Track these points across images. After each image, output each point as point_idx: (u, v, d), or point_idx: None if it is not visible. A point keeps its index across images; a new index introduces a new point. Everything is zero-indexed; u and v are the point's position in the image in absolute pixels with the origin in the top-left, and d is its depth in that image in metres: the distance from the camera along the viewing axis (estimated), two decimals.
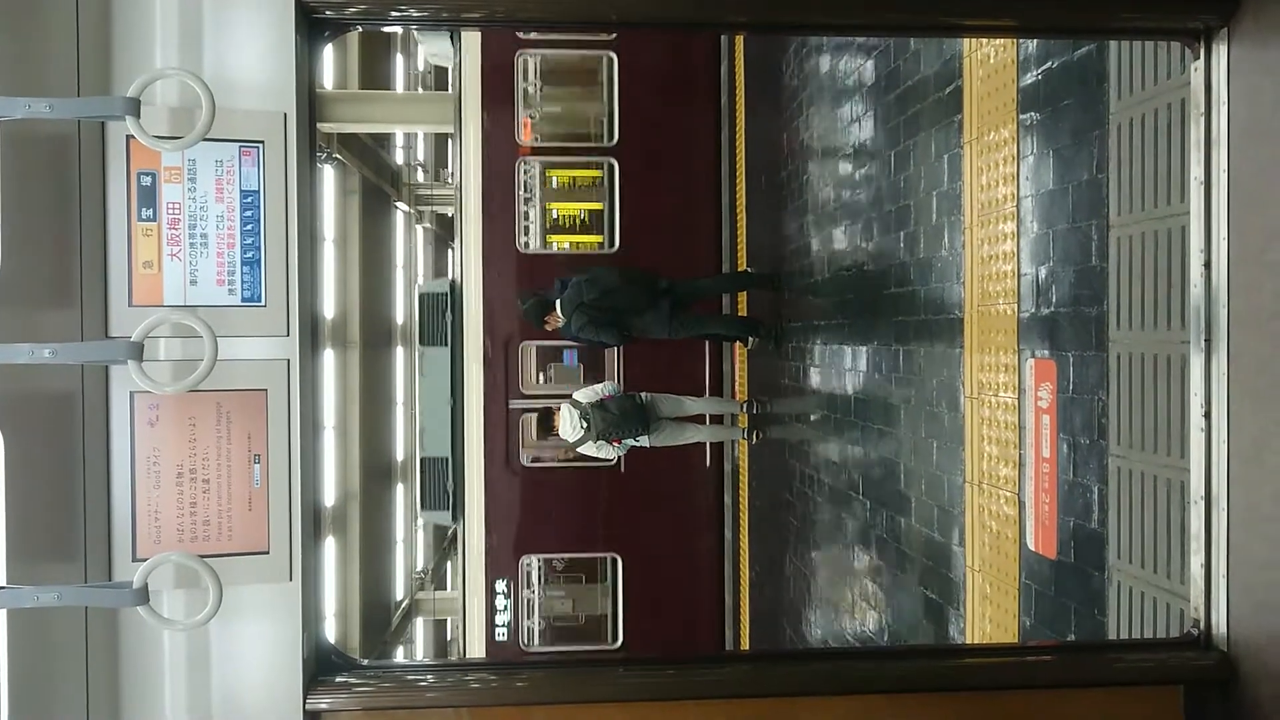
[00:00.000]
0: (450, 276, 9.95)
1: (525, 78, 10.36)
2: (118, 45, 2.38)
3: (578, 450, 8.14)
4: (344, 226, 17.76)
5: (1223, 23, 2.62)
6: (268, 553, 2.44)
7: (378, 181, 18.86)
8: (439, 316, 9.59)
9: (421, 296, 9.84)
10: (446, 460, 9.62)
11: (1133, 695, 2.61)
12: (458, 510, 9.73)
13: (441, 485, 9.65)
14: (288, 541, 2.44)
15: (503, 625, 9.77)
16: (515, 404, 9.76)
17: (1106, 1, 2.69)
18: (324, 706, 2.45)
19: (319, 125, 3.63)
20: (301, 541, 2.45)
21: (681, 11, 2.74)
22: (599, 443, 7.91)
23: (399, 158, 21.51)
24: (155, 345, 2.35)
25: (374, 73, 18.83)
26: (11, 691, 2.07)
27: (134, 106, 2.12)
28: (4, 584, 2.07)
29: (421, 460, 9.84)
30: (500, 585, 9.74)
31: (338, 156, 15.92)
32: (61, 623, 2.25)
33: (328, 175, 16.66)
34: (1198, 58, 2.70)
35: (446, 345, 9.58)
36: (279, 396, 2.44)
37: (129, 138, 2.33)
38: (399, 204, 21.19)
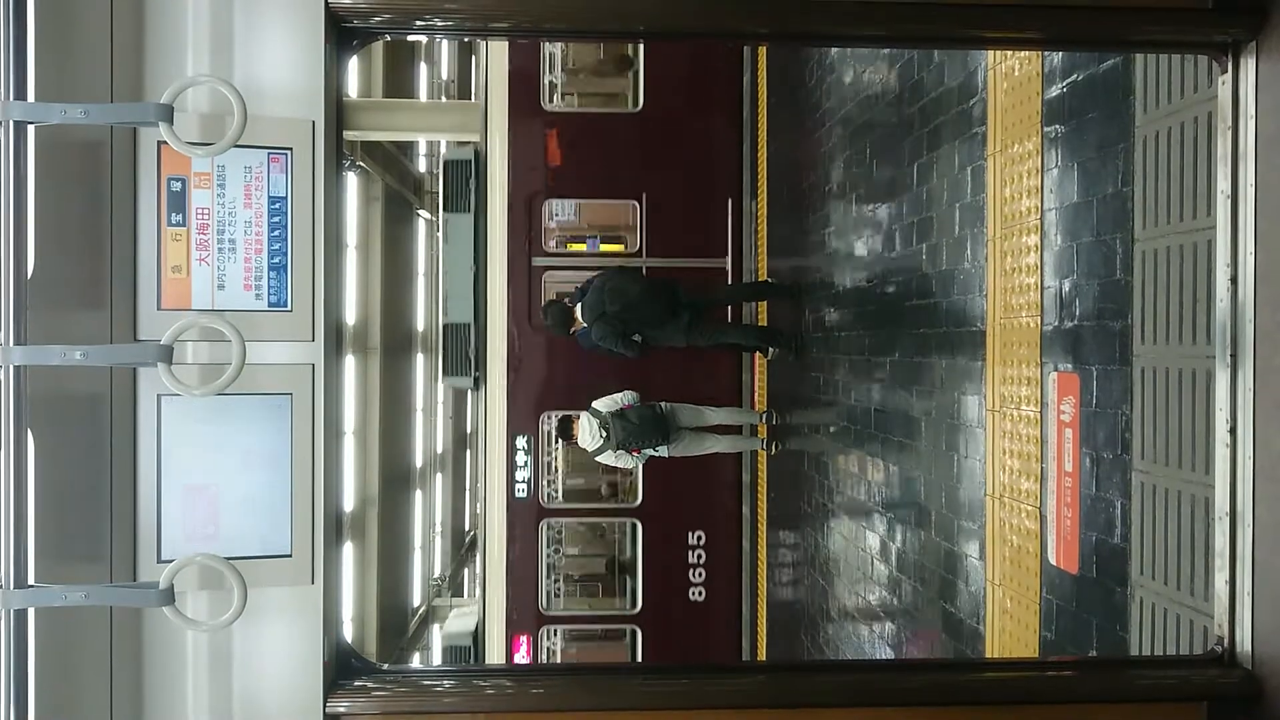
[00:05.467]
0: (474, 144, 10.16)
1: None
2: (151, 52, 2.42)
3: (597, 459, 8.15)
4: (366, 233, 17.86)
5: (1251, 36, 2.61)
6: (290, 556, 2.46)
7: (400, 189, 18.97)
8: (463, 183, 9.75)
9: (446, 164, 10.01)
10: (469, 326, 9.75)
11: (1155, 712, 2.59)
12: (479, 375, 9.88)
13: (464, 351, 9.79)
14: (310, 545, 2.46)
15: (522, 482, 9.90)
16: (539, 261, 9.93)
17: (1133, 15, 2.69)
18: (343, 710, 2.46)
19: (344, 133, 3.67)
20: (324, 545, 2.47)
21: (705, 23, 2.75)
22: (618, 452, 7.91)
23: (422, 165, 21.62)
24: (182, 349, 2.38)
25: (398, 81, 18.96)
26: (39, 689, 2.10)
27: (167, 113, 2.15)
28: (33, 582, 2.10)
29: (444, 327, 9.98)
30: (521, 442, 9.85)
31: (361, 164, 16.03)
32: (87, 622, 2.28)
33: (351, 183, 16.77)
34: (1225, 71, 2.68)
35: (470, 212, 9.72)
36: (303, 401, 2.46)
37: (160, 144, 2.36)
38: (421, 212, 21.30)
